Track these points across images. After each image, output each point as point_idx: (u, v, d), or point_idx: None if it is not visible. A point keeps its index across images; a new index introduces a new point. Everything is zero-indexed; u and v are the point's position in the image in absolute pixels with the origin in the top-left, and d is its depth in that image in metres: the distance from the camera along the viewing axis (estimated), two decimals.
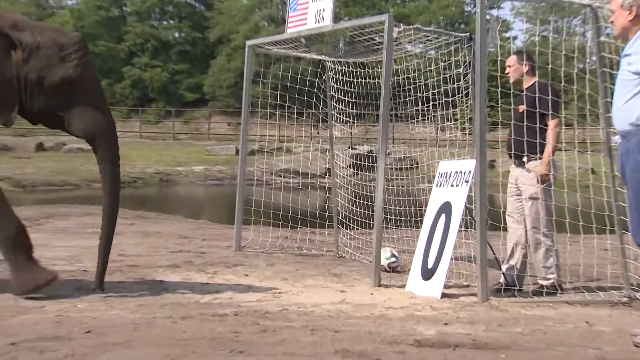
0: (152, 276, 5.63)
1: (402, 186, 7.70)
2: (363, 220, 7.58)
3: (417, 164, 9.61)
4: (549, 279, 5.47)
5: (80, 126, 4.89)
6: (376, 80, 7.70)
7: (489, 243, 5.33)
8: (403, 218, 7.31)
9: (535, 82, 5.64)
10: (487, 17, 5.45)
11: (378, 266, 5.95)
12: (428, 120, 7.61)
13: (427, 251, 5.52)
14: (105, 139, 4.96)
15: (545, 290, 5.40)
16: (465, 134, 7.61)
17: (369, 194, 7.61)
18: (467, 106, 6.67)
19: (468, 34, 6.60)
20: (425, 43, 7.15)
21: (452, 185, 5.53)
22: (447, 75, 6.67)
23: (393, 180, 8.08)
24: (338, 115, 8.30)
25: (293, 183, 9.86)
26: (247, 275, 6.29)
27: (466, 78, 6.46)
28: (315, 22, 6.80)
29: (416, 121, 7.75)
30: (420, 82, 7.10)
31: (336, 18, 6.78)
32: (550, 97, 5.47)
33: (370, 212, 7.20)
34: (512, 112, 5.72)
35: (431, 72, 7.06)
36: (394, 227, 7.39)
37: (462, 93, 6.56)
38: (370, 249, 6.52)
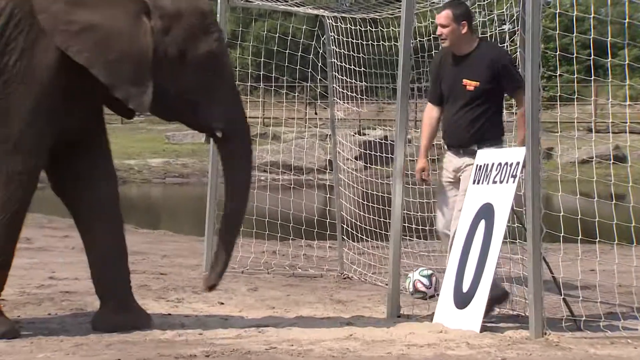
0: (93, 306, 5.63)
1: (427, 184, 7.71)
2: (376, 229, 7.59)
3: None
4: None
5: (220, 115, 5.09)
6: (392, 43, 7.71)
7: (545, 259, 5.34)
8: (428, 227, 7.31)
9: (479, 44, 5.69)
10: None
11: (396, 290, 5.95)
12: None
13: (461, 270, 5.53)
14: (245, 132, 5.27)
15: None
16: (512, 112, 7.61)
17: (383, 194, 7.63)
18: None
19: None
20: None
21: (494, 182, 5.53)
22: (487, 35, 6.67)
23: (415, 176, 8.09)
24: (341, 90, 8.30)
25: (283, 180, 9.87)
26: (222, 303, 6.31)
27: (513, 38, 6.46)
28: None
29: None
30: None
31: None
32: (511, 65, 5.62)
33: (386, 219, 7.20)
34: (452, 89, 5.70)
35: None
36: (416, 238, 7.39)
37: None
38: (386, 267, 6.52)
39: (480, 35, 6.38)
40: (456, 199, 5.75)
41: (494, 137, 5.69)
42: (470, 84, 5.64)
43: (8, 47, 4.72)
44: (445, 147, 5.90)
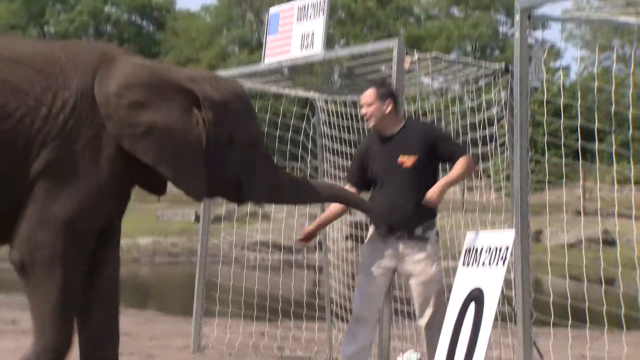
0: None
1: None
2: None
3: (438, 234, 9.61)
4: None
5: (262, 192, 5.31)
6: None
7: (535, 344, 5.30)
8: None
9: (405, 123, 5.68)
10: (530, 41, 5.54)
11: None
12: None
13: (451, 354, 5.48)
14: (301, 193, 5.49)
15: None
16: (501, 195, 7.65)
17: None
18: (503, 159, 6.74)
19: (504, 64, 6.72)
20: (446, 76, 7.28)
21: (484, 265, 5.52)
22: (477, 119, 6.75)
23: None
24: (331, 170, 8.35)
25: (272, 260, 9.85)
26: None
27: (502, 122, 6.54)
28: (302, 49, 6.91)
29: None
30: (440, 126, 7.18)
31: (330, 43, 6.91)
32: (445, 135, 5.69)
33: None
34: (387, 170, 5.60)
35: (455, 114, 7.15)
36: (406, 320, 7.34)
37: (496, 142, 6.63)
38: (375, 349, 6.46)
39: (467, 120, 6.46)
40: (384, 289, 5.67)
41: (432, 214, 5.61)
42: (408, 159, 5.53)
43: (72, 137, 4.80)
44: (381, 232, 5.65)
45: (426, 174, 5.53)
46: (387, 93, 5.64)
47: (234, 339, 8.08)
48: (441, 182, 5.45)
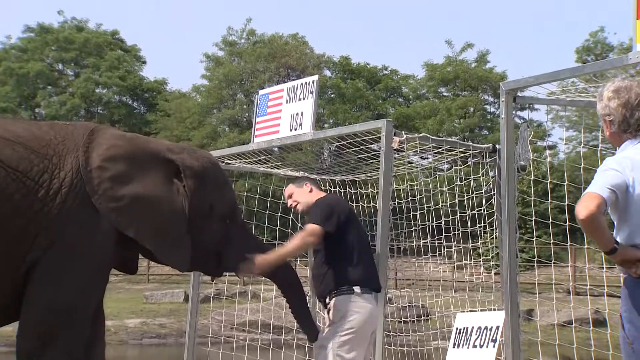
0: None
1: (408, 344, 7.63)
2: None
3: (428, 314, 9.58)
4: None
5: (240, 259, 5.34)
6: (371, 203, 7.81)
7: None
8: None
9: (322, 196, 5.83)
10: (516, 121, 5.62)
11: None
12: (441, 256, 7.66)
13: None
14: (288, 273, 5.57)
15: None
16: (491, 274, 7.64)
17: None
18: (492, 238, 6.75)
19: (491, 145, 6.78)
20: (435, 156, 7.33)
21: (474, 346, 5.49)
22: (465, 198, 6.79)
23: (396, 336, 8.01)
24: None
25: (262, 341, 9.73)
26: None
27: (490, 202, 6.57)
28: (292, 130, 6.96)
29: (425, 257, 7.80)
30: (429, 206, 7.21)
31: (319, 122, 6.98)
32: (319, 207, 5.64)
33: None
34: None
35: (443, 193, 7.19)
36: None
37: (484, 221, 6.65)
38: None
39: (457, 199, 6.46)
40: None
41: (337, 286, 5.54)
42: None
43: (70, 217, 4.80)
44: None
45: (329, 248, 5.58)
46: (302, 178, 6.04)
47: None
48: (270, 256, 5.41)
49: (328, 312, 5.58)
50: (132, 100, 48.96)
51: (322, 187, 6.11)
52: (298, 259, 6.96)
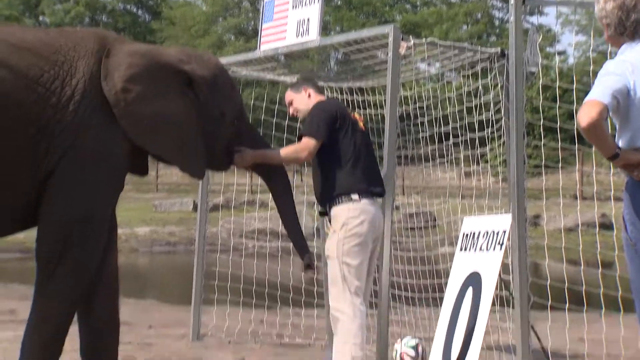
0: None
1: (415, 251, 7.71)
2: None
3: (435, 221, 9.66)
4: None
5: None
6: (379, 110, 7.79)
7: (533, 328, 5.32)
8: (417, 294, 7.29)
9: (316, 102, 5.73)
10: (526, 26, 5.54)
11: (384, 358, 5.91)
12: (448, 163, 7.67)
13: (449, 339, 5.50)
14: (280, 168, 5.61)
15: None
16: (498, 180, 7.66)
17: None
18: (499, 144, 6.74)
19: (500, 49, 6.72)
20: (442, 62, 7.27)
21: (481, 250, 5.54)
22: (473, 104, 6.75)
23: (403, 242, 8.09)
24: None
25: (270, 248, 9.85)
26: None
27: (498, 107, 6.55)
28: (298, 36, 6.90)
29: (433, 165, 7.81)
30: (437, 113, 7.18)
31: (325, 29, 6.90)
32: (315, 116, 5.55)
33: (373, 286, 7.19)
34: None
35: (451, 100, 7.15)
36: (404, 306, 7.36)
37: (492, 127, 6.64)
38: (374, 335, 6.49)
39: (464, 105, 6.44)
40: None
41: (336, 195, 5.53)
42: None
43: (83, 125, 4.83)
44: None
45: (324, 154, 5.54)
46: (301, 82, 5.87)
47: (233, 327, 8.10)
48: (259, 152, 5.43)
49: (330, 222, 5.62)
50: (137, 9, 48.45)
51: (323, 91, 6.00)
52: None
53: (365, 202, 5.49)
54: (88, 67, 4.85)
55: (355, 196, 5.46)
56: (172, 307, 11.00)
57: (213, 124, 5.24)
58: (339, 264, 5.42)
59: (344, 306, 5.41)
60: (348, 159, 5.52)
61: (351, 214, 5.45)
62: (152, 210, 27.55)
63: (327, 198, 5.55)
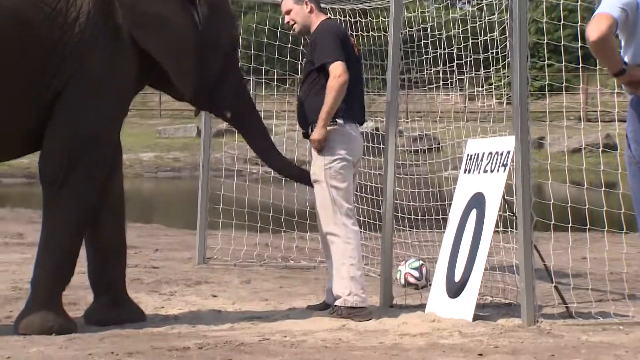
0: (86, 300, 5.64)
1: (419, 174, 7.73)
2: (368, 220, 7.62)
3: (439, 144, 9.64)
4: (341, 295, 5.39)
5: (232, 99, 5.40)
6: (382, 33, 7.72)
7: (536, 247, 5.36)
8: (421, 217, 7.33)
9: (321, 22, 5.61)
10: None
11: (389, 280, 5.98)
12: (452, 86, 7.63)
13: (453, 260, 5.55)
14: (256, 113, 5.62)
15: (341, 312, 5.34)
16: (502, 103, 7.63)
17: (374, 185, 7.65)
18: (503, 66, 6.69)
19: None
20: None
21: (485, 171, 5.55)
22: (477, 25, 6.68)
23: (407, 166, 8.11)
24: None
25: (274, 173, 9.90)
26: (214, 296, 6.32)
27: (502, 28, 6.47)
28: None
29: (436, 87, 7.78)
30: (441, 34, 7.12)
31: None
32: (327, 39, 5.42)
33: (377, 210, 7.23)
34: (304, 69, 5.72)
35: (455, 21, 7.08)
36: (408, 228, 7.41)
37: (497, 49, 6.58)
38: (378, 257, 6.55)
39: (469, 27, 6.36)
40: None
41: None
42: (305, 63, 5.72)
43: (90, 46, 4.84)
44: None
45: (317, 77, 5.49)
46: None
47: (238, 251, 8.18)
48: (320, 119, 5.38)
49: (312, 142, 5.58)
50: None
51: (322, 8, 5.89)
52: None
53: (349, 126, 5.53)
54: None
55: (340, 120, 5.48)
56: (178, 231, 11.10)
57: (208, 48, 5.20)
58: (327, 187, 5.45)
59: (337, 229, 5.45)
60: None
61: (337, 138, 5.47)
62: (156, 136, 27.62)
63: (311, 118, 5.52)
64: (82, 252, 5.19)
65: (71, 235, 4.97)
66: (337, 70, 5.38)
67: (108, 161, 5.05)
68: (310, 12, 5.63)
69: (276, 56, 8.64)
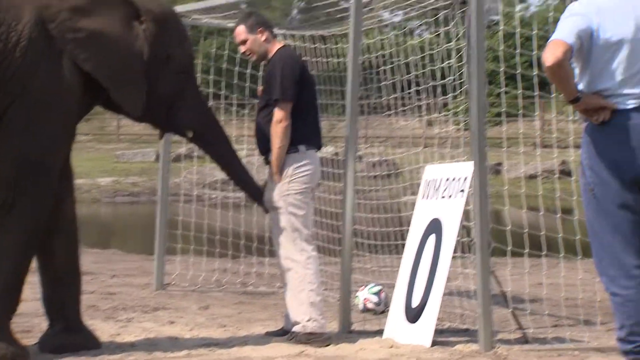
0: (41, 327, 5.57)
1: (378, 200, 7.76)
2: (327, 245, 7.62)
3: (398, 169, 9.69)
4: (299, 321, 5.40)
5: (192, 117, 5.35)
6: (342, 59, 7.77)
7: (494, 273, 5.40)
8: (380, 242, 7.35)
9: (277, 50, 5.63)
10: None
11: (347, 305, 5.98)
12: (411, 111, 7.69)
13: (411, 285, 5.57)
14: (219, 129, 5.55)
15: (300, 338, 5.34)
16: (460, 129, 7.69)
17: (334, 210, 7.65)
18: (461, 92, 6.77)
19: None
20: (405, 9, 7.25)
21: (443, 197, 5.59)
22: (435, 52, 6.75)
23: (366, 192, 8.13)
24: None
25: (234, 198, 9.86)
26: (172, 322, 6.28)
27: (460, 55, 6.55)
28: None
29: (395, 113, 7.83)
30: (399, 61, 7.18)
31: None
32: (281, 71, 5.44)
33: (337, 235, 7.23)
34: (260, 96, 5.76)
35: (414, 48, 7.15)
36: (367, 253, 7.43)
37: (455, 75, 6.65)
38: (337, 282, 6.55)
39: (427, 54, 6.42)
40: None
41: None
42: (260, 88, 5.75)
43: (32, 70, 4.80)
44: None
45: (272, 105, 5.49)
46: (256, 23, 5.65)
47: (197, 276, 8.13)
48: (272, 162, 5.45)
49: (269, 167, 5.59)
50: None
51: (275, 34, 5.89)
52: None
53: (310, 153, 5.57)
54: (33, 11, 4.81)
55: (302, 147, 5.51)
56: (136, 257, 10.99)
57: (157, 65, 5.14)
58: (286, 213, 5.46)
59: (296, 255, 5.45)
60: (300, 110, 5.51)
61: (297, 165, 5.49)
62: (114, 161, 27.39)
63: (271, 147, 5.51)
64: (36, 278, 5.13)
65: (18, 260, 4.89)
66: (279, 115, 5.40)
67: (55, 184, 4.98)
68: (266, 40, 5.63)
69: (236, 81, 8.65)
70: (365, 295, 6.44)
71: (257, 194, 5.65)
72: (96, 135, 33.80)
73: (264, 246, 8.32)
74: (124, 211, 22.17)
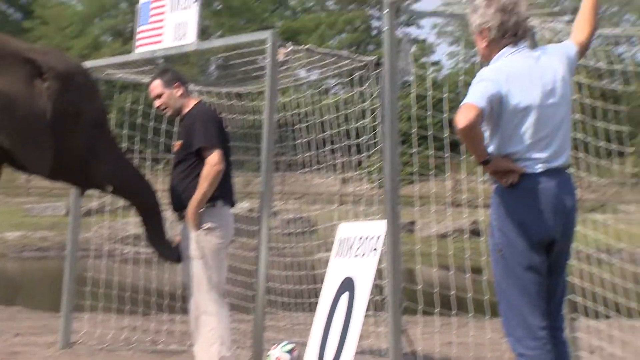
0: None
1: (292, 256, 7.76)
2: (240, 302, 7.57)
3: (313, 226, 9.74)
4: None
5: (110, 171, 5.25)
6: (258, 116, 7.81)
7: (405, 331, 5.43)
8: (293, 299, 7.34)
9: (195, 105, 5.73)
10: (400, 36, 5.65)
11: None
12: (326, 169, 7.75)
13: (324, 343, 5.55)
14: (140, 181, 5.49)
15: None
16: (374, 187, 7.79)
17: (248, 267, 7.62)
18: (375, 151, 6.87)
19: (376, 57, 6.84)
20: (321, 69, 7.36)
21: (356, 255, 5.62)
22: (350, 111, 6.85)
23: (280, 248, 8.13)
24: None
25: (146, 254, 9.74)
26: None
27: (374, 114, 6.66)
28: (175, 39, 6.85)
29: (311, 170, 7.89)
30: (315, 119, 7.26)
31: (206, 34, 6.86)
32: (203, 122, 5.50)
33: (250, 292, 7.19)
34: (175, 152, 5.80)
35: (329, 106, 7.24)
36: (280, 311, 7.40)
37: (369, 134, 6.76)
38: (249, 340, 6.49)
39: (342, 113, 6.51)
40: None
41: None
42: (177, 144, 5.73)
43: None
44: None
45: (191, 160, 5.53)
46: (173, 78, 5.73)
47: (106, 334, 7.95)
48: (192, 206, 5.45)
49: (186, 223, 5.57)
50: (8, 6, 46.89)
51: (197, 95, 5.94)
52: None
53: (226, 208, 5.60)
54: None
55: (219, 203, 5.53)
56: (42, 314, 10.69)
57: (67, 122, 5.05)
58: (201, 263, 5.45)
59: (210, 306, 5.43)
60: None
61: (214, 218, 5.50)
62: (23, 215, 26.76)
63: (189, 201, 5.48)
64: None
65: None
66: (214, 159, 5.41)
67: None
68: (182, 95, 5.67)
69: (150, 136, 8.60)
70: (277, 354, 6.42)
71: (167, 253, 5.59)
72: (4, 189, 33.02)
73: (175, 303, 8.21)
74: (32, 267, 21.61)
